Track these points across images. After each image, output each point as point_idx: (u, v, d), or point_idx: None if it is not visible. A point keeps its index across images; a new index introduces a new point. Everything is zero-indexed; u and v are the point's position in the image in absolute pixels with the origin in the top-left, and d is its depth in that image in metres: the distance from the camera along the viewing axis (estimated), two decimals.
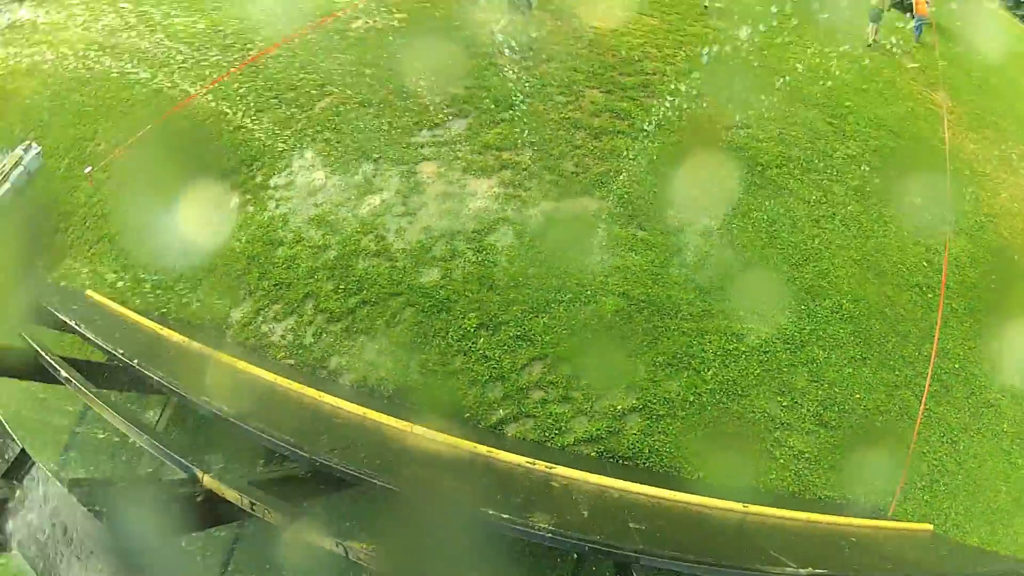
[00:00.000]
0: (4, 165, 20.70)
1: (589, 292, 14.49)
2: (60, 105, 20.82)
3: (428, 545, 7.86)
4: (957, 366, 14.85)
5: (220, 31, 22.47)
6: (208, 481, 7.73)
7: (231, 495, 7.64)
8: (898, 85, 22.28)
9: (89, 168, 18.50)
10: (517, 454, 11.41)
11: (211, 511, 7.92)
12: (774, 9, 23.10)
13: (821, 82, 20.96)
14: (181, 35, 22.50)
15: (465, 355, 13.75)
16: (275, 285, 15.20)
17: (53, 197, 18.53)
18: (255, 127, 18.30)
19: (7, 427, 7.45)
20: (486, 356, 13.66)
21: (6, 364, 10.45)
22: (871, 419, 13.65)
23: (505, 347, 13.74)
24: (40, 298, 14.03)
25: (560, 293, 14.43)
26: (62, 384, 10.14)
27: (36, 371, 10.56)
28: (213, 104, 19.28)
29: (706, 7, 24.43)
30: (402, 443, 11.43)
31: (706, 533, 10.62)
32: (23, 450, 7.08)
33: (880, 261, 16.17)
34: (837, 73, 21.47)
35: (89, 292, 15.63)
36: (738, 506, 10.96)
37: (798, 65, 21.39)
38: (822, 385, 13.93)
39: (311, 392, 12.30)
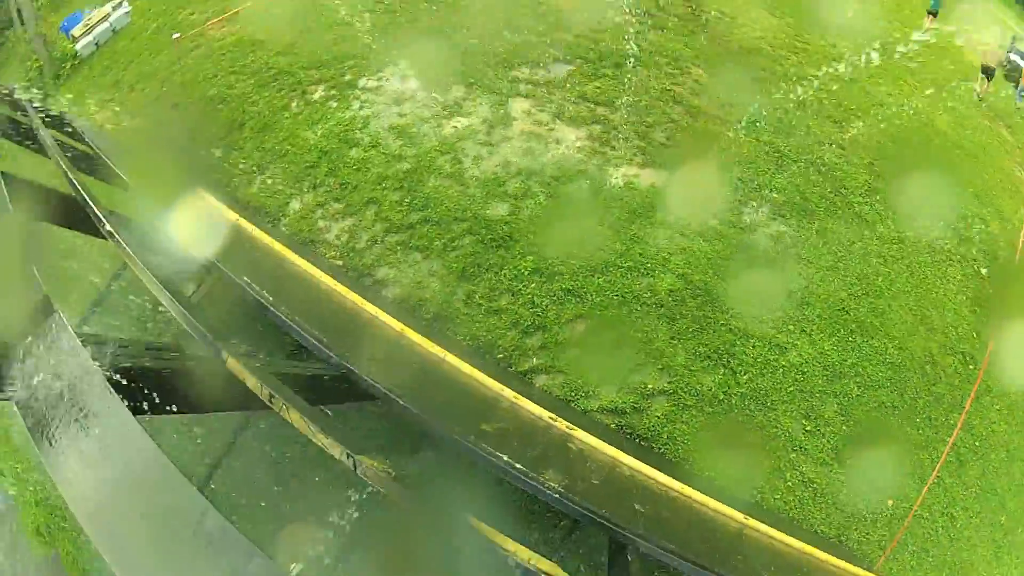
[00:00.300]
0: (91, 18, 20.92)
1: (650, 265, 14.31)
2: None
3: (436, 477, 7.85)
4: (977, 444, 14.56)
5: None
6: (232, 364, 7.66)
7: (252, 382, 7.59)
8: (990, 152, 21.71)
9: (177, 35, 18.54)
10: (541, 406, 11.44)
11: (229, 394, 7.92)
12: (918, 35, 22.69)
13: (921, 127, 20.49)
14: None
15: (513, 296, 13.70)
16: (341, 184, 15.21)
17: (135, 55, 18.58)
18: (358, 24, 18.21)
19: (36, 271, 7.45)
20: (533, 302, 13.60)
21: (50, 209, 10.42)
22: (884, 469, 13.32)
23: (554, 297, 13.66)
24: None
25: (621, 258, 14.28)
26: (103, 239, 10.16)
27: (80, 220, 10.59)
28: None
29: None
30: (434, 370, 11.44)
31: (704, 534, 10.62)
32: (47, 296, 7.08)
33: (934, 318, 15.78)
34: (937, 123, 20.97)
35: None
36: (739, 516, 10.96)
37: (905, 103, 20.95)
38: (848, 421, 13.67)
39: (355, 298, 12.33)
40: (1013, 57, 24.17)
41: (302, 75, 17.61)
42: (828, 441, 13.34)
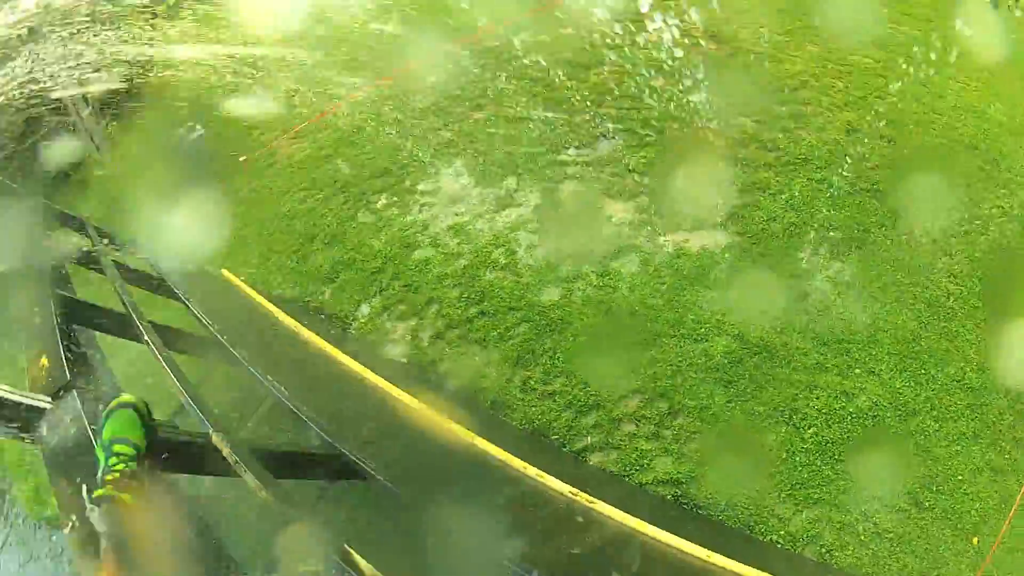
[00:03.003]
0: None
1: (703, 330, 14.60)
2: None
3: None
4: None
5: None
6: (216, 439, 8.24)
7: (227, 451, 8.07)
8: None
9: (244, 157, 19.91)
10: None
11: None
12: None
13: (975, 123, 19.88)
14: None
15: (567, 378, 14.24)
16: (404, 286, 16.22)
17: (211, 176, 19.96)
18: (411, 130, 19.27)
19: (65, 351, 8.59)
20: (586, 383, 14.08)
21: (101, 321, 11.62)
22: (969, 506, 12.88)
23: (607, 376, 14.09)
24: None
25: (674, 327, 14.63)
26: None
27: (120, 327, 11.84)
28: (369, 110, 20.42)
29: None
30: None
31: None
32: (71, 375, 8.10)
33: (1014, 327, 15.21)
34: (993, 117, 20.32)
35: (225, 272, 17.00)
36: None
37: (955, 105, 20.32)
38: (926, 460, 13.31)
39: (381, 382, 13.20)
40: None
41: (366, 185, 18.82)
42: (904, 486, 12.95)
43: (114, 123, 24.72)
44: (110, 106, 24.51)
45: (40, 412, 7.52)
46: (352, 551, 6.95)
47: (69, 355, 8.54)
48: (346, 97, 21.39)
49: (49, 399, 7.66)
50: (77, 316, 10.48)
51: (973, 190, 17.90)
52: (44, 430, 7.43)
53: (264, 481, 7.56)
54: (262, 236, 18.47)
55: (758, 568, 10.49)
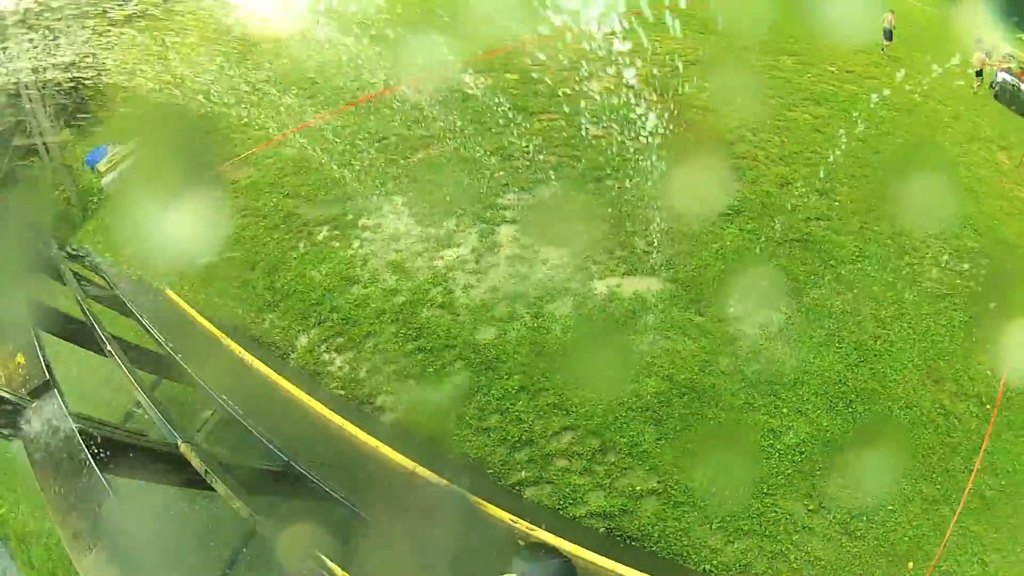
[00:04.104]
0: (115, 154, 21.95)
1: (634, 371, 14.92)
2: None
3: None
4: (1003, 483, 14.37)
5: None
6: (184, 449, 8.60)
7: (196, 462, 8.47)
8: (988, 183, 21.74)
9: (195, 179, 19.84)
10: (531, 515, 12.03)
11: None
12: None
13: (910, 174, 20.38)
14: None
15: (502, 415, 14.44)
16: (343, 319, 16.35)
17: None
18: (356, 164, 19.47)
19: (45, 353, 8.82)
20: (520, 419, 14.31)
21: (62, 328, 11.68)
22: (901, 533, 13.36)
23: (540, 412, 14.37)
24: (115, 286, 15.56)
25: (605, 368, 15.00)
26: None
27: (86, 339, 11.97)
28: (314, 142, 20.65)
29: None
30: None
31: None
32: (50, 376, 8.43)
33: (941, 368, 15.88)
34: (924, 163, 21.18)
35: (168, 291, 17.00)
36: None
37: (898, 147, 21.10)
38: (855, 492, 13.66)
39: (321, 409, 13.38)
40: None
41: (309, 216, 18.94)
42: (835, 516, 13.39)
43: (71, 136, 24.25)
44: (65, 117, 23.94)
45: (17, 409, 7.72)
46: (325, 559, 7.15)
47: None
48: (295, 127, 21.53)
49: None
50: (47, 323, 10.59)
51: (906, 239, 18.63)
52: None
53: (235, 492, 7.70)
54: (205, 259, 18.32)
55: None
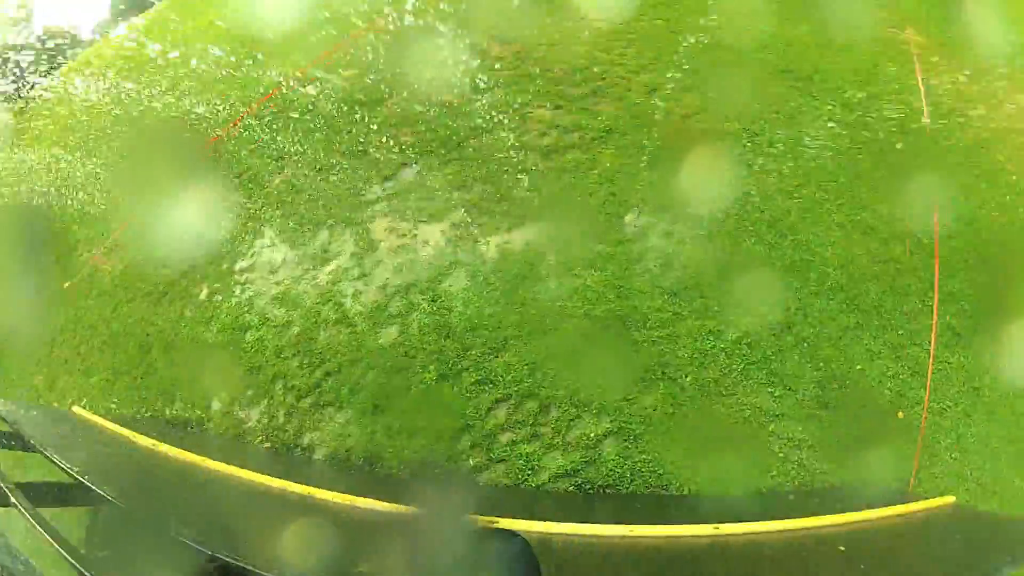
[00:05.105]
0: None
1: (548, 320, 14.19)
2: None
3: None
4: (967, 307, 14.01)
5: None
6: None
7: None
8: (862, 27, 21.14)
9: (67, 283, 18.89)
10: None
11: None
12: None
13: (782, 47, 20.24)
14: None
15: (428, 410, 13.69)
16: (247, 371, 15.33)
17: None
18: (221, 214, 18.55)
19: None
20: (450, 408, 13.47)
21: None
22: (879, 387, 12.97)
23: (467, 394, 13.52)
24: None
25: (518, 328, 14.17)
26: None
27: None
28: None
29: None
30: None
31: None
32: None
33: (865, 218, 15.46)
34: (796, 33, 20.68)
35: (75, 408, 15.87)
36: (708, 528, 10.34)
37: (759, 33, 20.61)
38: (816, 364, 13.25)
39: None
40: None
41: (185, 280, 17.84)
42: (805, 394, 12.92)
43: None
44: None
45: None
46: None
47: None
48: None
49: None
50: None
51: (793, 106, 18.26)
52: None
53: None
54: (104, 360, 17.32)
55: (689, 523, 10.08)
